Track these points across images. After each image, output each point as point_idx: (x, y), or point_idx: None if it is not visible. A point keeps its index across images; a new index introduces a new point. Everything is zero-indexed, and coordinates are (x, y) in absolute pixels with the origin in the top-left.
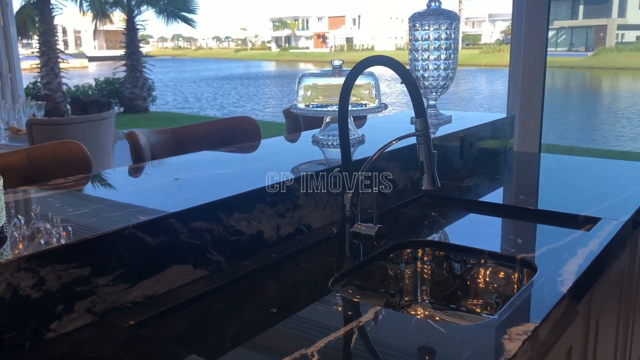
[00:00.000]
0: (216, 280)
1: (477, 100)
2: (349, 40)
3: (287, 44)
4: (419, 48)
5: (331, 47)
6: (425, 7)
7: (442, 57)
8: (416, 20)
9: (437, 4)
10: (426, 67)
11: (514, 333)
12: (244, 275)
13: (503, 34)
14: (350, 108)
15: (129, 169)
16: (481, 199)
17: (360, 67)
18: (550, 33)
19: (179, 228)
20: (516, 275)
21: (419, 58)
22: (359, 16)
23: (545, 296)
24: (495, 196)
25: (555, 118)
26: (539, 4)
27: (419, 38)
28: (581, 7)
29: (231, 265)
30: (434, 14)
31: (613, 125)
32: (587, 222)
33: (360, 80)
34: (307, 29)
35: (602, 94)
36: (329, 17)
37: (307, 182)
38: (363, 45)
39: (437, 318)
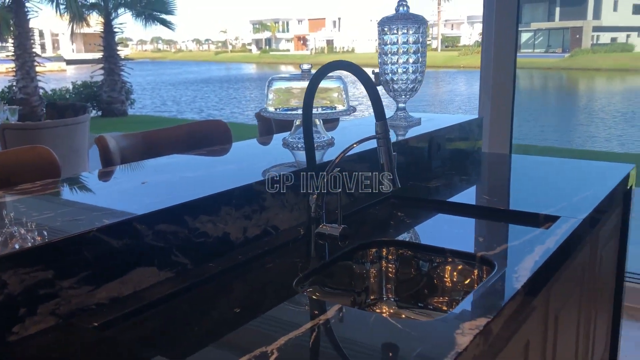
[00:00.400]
0: (182, 281)
1: (456, 102)
2: (330, 42)
3: (267, 47)
4: (388, 52)
5: (312, 49)
6: (394, 12)
7: (411, 60)
8: (385, 24)
9: (405, 8)
10: (395, 70)
11: (467, 328)
12: (210, 276)
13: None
14: (320, 111)
15: (98, 173)
16: (448, 199)
17: (322, 72)
18: (528, 35)
19: (143, 231)
20: (476, 272)
21: (388, 62)
22: (339, 19)
23: (500, 292)
24: (462, 196)
25: (533, 119)
26: (508, 6)
27: (388, 42)
28: (557, 9)
29: (197, 267)
30: (402, 19)
31: (588, 126)
32: (547, 221)
33: (330, 84)
34: (288, 31)
35: (578, 94)
36: (309, 20)
37: (274, 184)
38: (343, 48)
39: (403, 316)
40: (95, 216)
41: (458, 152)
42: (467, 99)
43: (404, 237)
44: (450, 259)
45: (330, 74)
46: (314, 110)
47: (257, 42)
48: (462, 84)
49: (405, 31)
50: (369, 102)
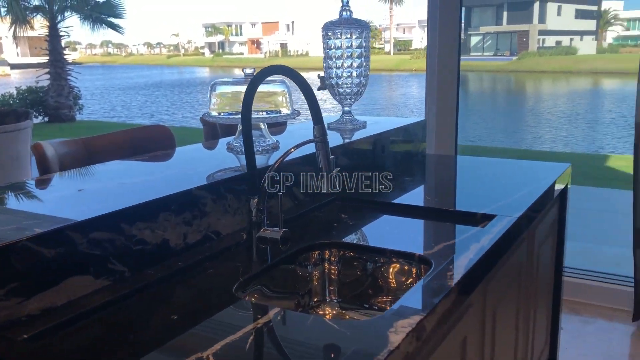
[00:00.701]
0: (119, 289)
1: (410, 105)
2: (284, 46)
3: (220, 50)
4: (332, 56)
5: (266, 52)
6: (337, 17)
7: (355, 64)
8: (329, 29)
9: (348, 13)
10: (340, 74)
11: (400, 326)
12: (148, 284)
13: (426, 40)
14: (264, 115)
15: (34, 181)
16: (392, 201)
17: (259, 77)
18: (477, 38)
19: (77, 239)
20: (414, 271)
21: (333, 66)
22: (292, 22)
23: (434, 290)
24: (406, 197)
25: (482, 120)
26: (451, 11)
27: (332, 47)
28: (505, 14)
29: (135, 275)
30: (346, 23)
31: (535, 127)
32: (484, 219)
33: (274, 88)
34: (241, 34)
35: (526, 96)
36: (262, 23)
37: (215, 189)
38: (298, 51)
39: (347, 317)
40: (27, 225)
41: (402, 154)
42: (420, 102)
43: (349, 239)
44: (391, 259)
45: (274, 78)
46: (259, 115)
47: (210, 46)
48: (415, 87)
49: (349, 36)
50: (323, 106)
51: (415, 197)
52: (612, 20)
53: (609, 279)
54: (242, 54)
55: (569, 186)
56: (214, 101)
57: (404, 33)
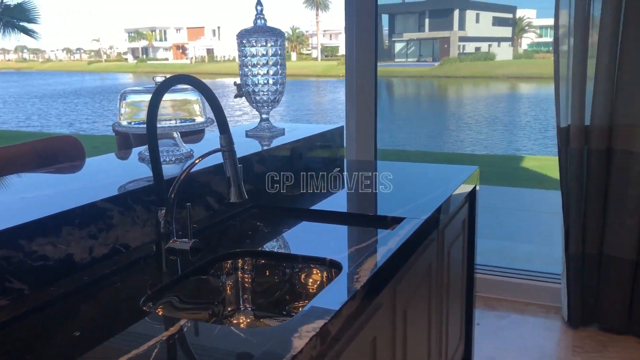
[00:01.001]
0: (18, 308)
1: (338, 111)
2: (210, 51)
3: (144, 56)
4: (248, 64)
5: (191, 58)
6: (252, 25)
7: (271, 72)
8: (244, 37)
9: (262, 21)
10: (256, 82)
11: (304, 330)
12: (51, 300)
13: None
14: (177, 124)
15: None
16: (309, 207)
17: (163, 87)
18: (401, 45)
19: None
20: (326, 275)
21: (249, 74)
22: (218, 27)
23: (341, 293)
24: (324, 203)
25: (407, 125)
26: (367, 18)
27: (248, 54)
28: (427, 21)
29: (36, 292)
30: (260, 31)
31: (457, 131)
32: (394, 222)
33: (189, 96)
34: (166, 40)
35: (448, 101)
36: (187, 28)
37: (122, 201)
38: (224, 56)
39: (262, 325)
40: None
41: (320, 160)
42: None
43: (265, 246)
44: (303, 265)
45: (189, 86)
46: (171, 123)
47: (134, 51)
48: (343, 93)
49: (264, 44)
50: (254, 112)
51: (332, 202)
52: (527, 28)
53: (522, 275)
54: (167, 59)
55: (477, 187)
56: (124, 110)
57: (330, 39)
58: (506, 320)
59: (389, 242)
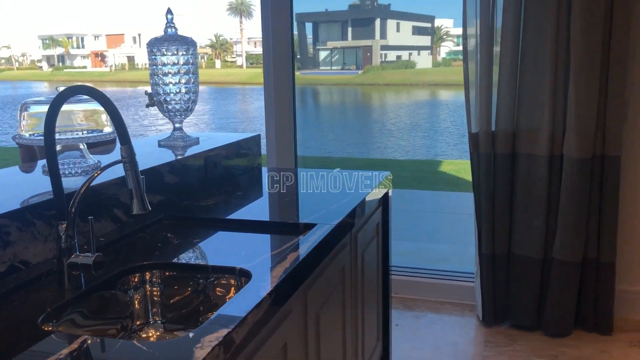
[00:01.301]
0: None
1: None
2: (131, 59)
3: (60, 63)
4: (159, 73)
5: (111, 66)
6: (163, 33)
7: (183, 81)
8: (154, 46)
9: (173, 30)
10: (168, 91)
11: (207, 341)
12: None
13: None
14: (84, 134)
15: None
16: (224, 217)
17: (61, 98)
18: (325, 53)
19: None
20: (236, 284)
21: (160, 83)
22: (139, 34)
23: (247, 301)
24: (238, 212)
25: (330, 132)
26: (283, 26)
27: (159, 63)
28: (350, 29)
29: None
30: (171, 40)
31: (379, 137)
32: (306, 229)
33: (97, 106)
34: (83, 47)
35: (372, 108)
36: (106, 35)
37: (20, 216)
38: (146, 64)
39: (171, 337)
40: None
41: (237, 169)
42: None
43: (175, 258)
44: (214, 276)
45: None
46: (78, 134)
47: (48, 59)
48: None
49: (175, 52)
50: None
51: (248, 211)
52: (444, 37)
53: (439, 275)
54: (85, 67)
55: (390, 192)
56: (26, 122)
57: (255, 47)
58: (423, 320)
59: (299, 249)
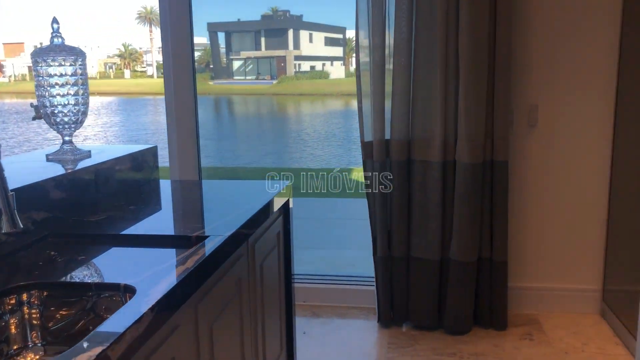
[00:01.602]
0: None
1: None
2: (32, 69)
3: None
4: (45, 84)
5: (10, 76)
6: (49, 43)
7: (71, 92)
8: (39, 55)
9: (59, 40)
10: (55, 103)
11: None
12: None
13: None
14: None
15: None
16: (112, 232)
17: None
18: (239, 63)
19: None
20: (120, 301)
21: (47, 94)
22: (41, 43)
23: (127, 317)
24: (131, 227)
25: (242, 142)
26: (182, 35)
27: (44, 74)
28: (263, 40)
29: None
30: (57, 50)
31: (296, 146)
32: (198, 241)
33: None
34: None
35: (287, 118)
36: (4, 44)
37: None
38: None
39: None
40: None
41: (131, 182)
42: None
43: (58, 277)
44: (99, 293)
45: None
46: None
47: None
48: None
49: (62, 63)
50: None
51: (142, 226)
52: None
53: (344, 281)
54: None
55: (290, 200)
56: None
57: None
58: (330, 326)
59: (187, 262)
